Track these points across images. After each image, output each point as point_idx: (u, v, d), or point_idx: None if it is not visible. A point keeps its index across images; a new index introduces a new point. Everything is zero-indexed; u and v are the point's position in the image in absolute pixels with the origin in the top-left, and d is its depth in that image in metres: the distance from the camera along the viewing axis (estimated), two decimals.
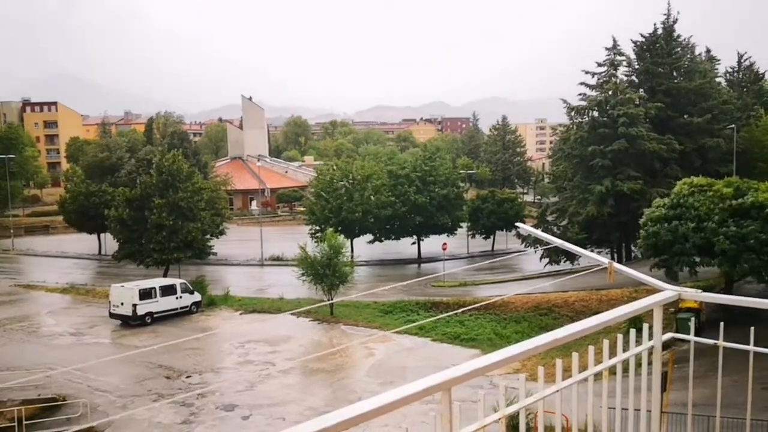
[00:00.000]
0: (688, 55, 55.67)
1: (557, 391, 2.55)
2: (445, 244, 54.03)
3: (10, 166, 75.25)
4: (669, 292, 3.08)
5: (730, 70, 64.11)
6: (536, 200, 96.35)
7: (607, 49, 52.10)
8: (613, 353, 2.84)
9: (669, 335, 3.23)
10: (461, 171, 73.86)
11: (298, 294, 41.52)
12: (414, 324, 32.44)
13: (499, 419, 2.31)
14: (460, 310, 33.21)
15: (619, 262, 49.59)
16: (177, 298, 39.34)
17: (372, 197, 55.92)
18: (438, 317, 33.42)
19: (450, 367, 2.19)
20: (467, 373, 2.13)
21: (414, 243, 58.71)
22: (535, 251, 43.07)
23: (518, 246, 55.04)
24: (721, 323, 3.12)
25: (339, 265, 37.53)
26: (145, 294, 37.79)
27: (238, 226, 73.32)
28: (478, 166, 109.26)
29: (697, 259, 30.82)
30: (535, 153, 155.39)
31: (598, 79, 52.16)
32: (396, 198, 56.40)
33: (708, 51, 61.95)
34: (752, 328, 3.00)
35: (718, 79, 58.26)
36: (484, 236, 61.09)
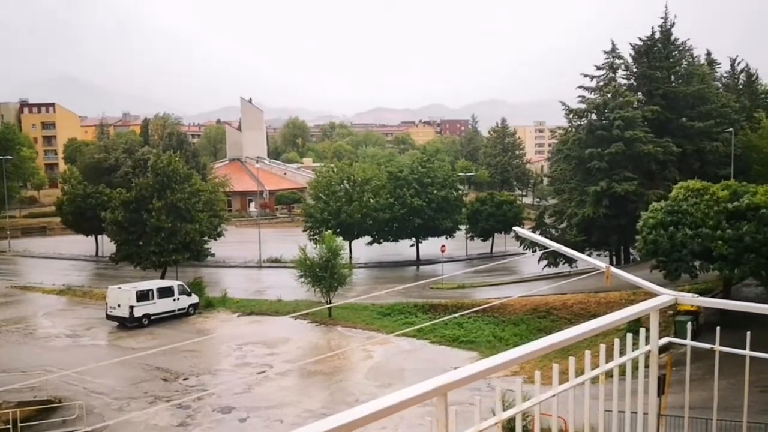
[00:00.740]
0: (687, 59, 55.77)
1: (554, 395, 2.55)
2: (443, 246, 54.05)
3: (7, 167, 75.09)
4: (665, 296, 3.08)
5: (725, 74, 64.23)
6: (535, 203, 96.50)
7: (605, 52, 52.36)
8: (610, 357, 2.84)
9: (666, 339, 3.24)
10: (460, 173, 73.89)
11: (297, 296, 41.49)
12: (414, 327, 32.39)
13: (496, 423, 2.31)
14: (458, 314, 33.23)
15: (618, 264, 49.78)
16: (174, 300, 39.28)
17: (371, 200, 55.93)
18: (438, 320, 33.39)
19: (449, 369, 2.19)
20: (463, 378, 2.13)
21: (413, 245, 58.74)
22: (533, 253, 43.08)
23: (517, 248, 55.11)
24: (717, 328, 3.12)
25: (337, 267, 37.52)
26: (143, 296, 37.72)
27: (236, 227, 73.28)
28: (477, 168, 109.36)
29: (696, 264, 30.87)
30: (534, 155, 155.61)
31: (597, 82, 52.37)
32: (395, 200, 56.44)
33: (708, 54, 62.09)
34: (748, 333, 3.00)
35: (716, 83, 58.38)
36: (482, 239, 61.15)
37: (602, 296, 36.54)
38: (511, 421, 2.40)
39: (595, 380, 2.75)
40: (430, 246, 58.01)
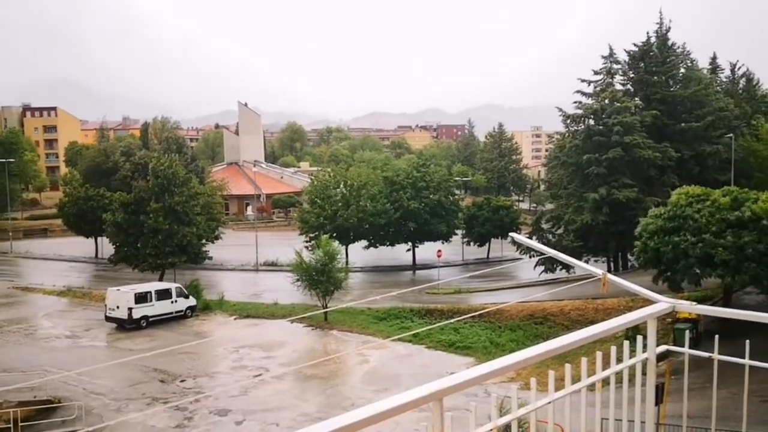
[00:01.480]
0: (686, 63, 55.77)
1: (550, 402, 2.54)
2: (440, 251, 54.03)
3: (9, 169, 75.24)
4: (663, 304, 3.07)
5: (726, 80, 64.32)
6: (532, 208, 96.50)
7: (603, 57, 52.40)
8: (606, 364, 2.82)
9: (663, 347, 3.22)
10: (456, 178, 73.87)
11: (293, 299, 41.44)
12: (409, 333, 32.33)
13: (492, 430, 2.30)
14: (454, 320, 33.14)
15: (616, 271, 49.76)
16: (172, 302, 39.27)
17: (368, 205, 55.95)
18: (435, 326, 33.33)
19: (445, 375, 2.18)
20: (459, 384, 2.12)
21: (409, 250, 58.70)
22: (530, 257, 43.06)
23: (513, 254, 55.08)
24: (716, 336, 3.11)
25: (333, 271, 37.47)
26: (141, 298, 37.74)
27: (233, 231, 73.20)
28: (474, 173, 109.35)
29: (698, 271, 30.65)
30: (531, 161, 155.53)
31: (595, 87, 52.41)
32: (391, 204, 56.44)
33: (713, 59, 62.14)
34: (747, 342, 2.98)
35: (716, 88, 58.38)
36: (478, 244, 61.12)
37: (600, 303, 36.50)
38: (508, 427, 2.39)
39: (592, 388, 2.74)
40: (427, 251, 57.97)
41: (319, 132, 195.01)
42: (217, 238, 51.97)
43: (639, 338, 2.97)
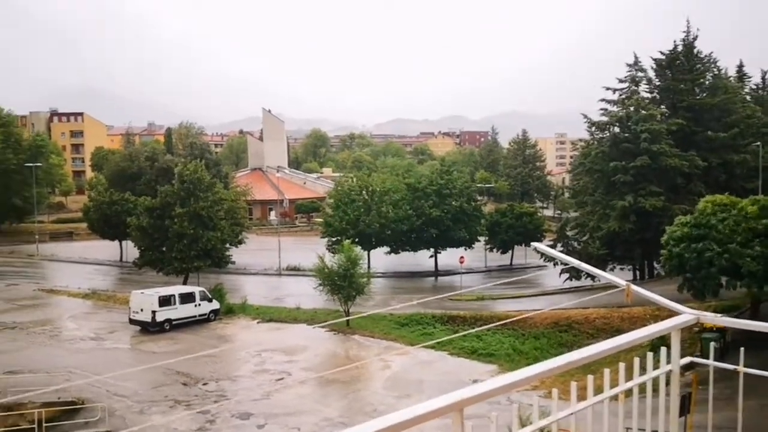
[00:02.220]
0: (713, 71, 55.02)
1: (572, 413, 2.52)
2: (462, 257, 53.82)
3: (36, 173, 76.78)
4: (687, 315, 3.03)
5: (754, 87, 63.26)
6: (556, 215, 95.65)
7: (628, 65, 52.02)
8: (630, 375, 2.80)
9: (688, 359, 3.18)
10: (479, 184, 73.51)
11: (315, 304, 41.56)
12: (433, 341, 31.90)
13: None
14: (482, 328, 32.88)
15: (642, 279, 49.09)
16: (196, 305, 39.58)
17: (390, 211, 56.00)
18: (459, 334, 33.04)
19: (467, 382, 2.19)
20: (479, 394, 2.12)
21: (431, 256, 58.55)
22: (555, 266, 42.66)
23: (537, 261, 54.62)
24: (741, 349, 3.06)
25: (356, 276, 37.52)
26: (165, 301, 38.08)
27: (256, 235, 73.76)
28: (497, 180, 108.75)
29: (724, 281, 30.15)
30: (555, 167, 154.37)
31: (620, 94, 51.94)
32: (413, 211, 56.42)
33: (741, 66, 61.14)
34: None
35: (744, 95, 57.41)
36: (501, 251, 60.72)
37: (626, 311, 35.96)
38: None
39: (615, 398, 2.72)
40: (449, 257, 57.75)
41: (342, 138, 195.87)
42: (240, 242, 52.39)
43: (663, 349, 2.94)
